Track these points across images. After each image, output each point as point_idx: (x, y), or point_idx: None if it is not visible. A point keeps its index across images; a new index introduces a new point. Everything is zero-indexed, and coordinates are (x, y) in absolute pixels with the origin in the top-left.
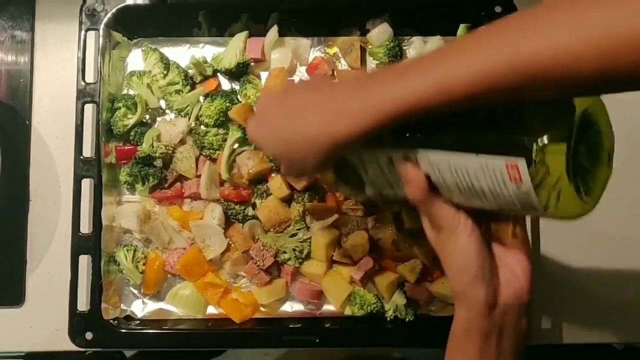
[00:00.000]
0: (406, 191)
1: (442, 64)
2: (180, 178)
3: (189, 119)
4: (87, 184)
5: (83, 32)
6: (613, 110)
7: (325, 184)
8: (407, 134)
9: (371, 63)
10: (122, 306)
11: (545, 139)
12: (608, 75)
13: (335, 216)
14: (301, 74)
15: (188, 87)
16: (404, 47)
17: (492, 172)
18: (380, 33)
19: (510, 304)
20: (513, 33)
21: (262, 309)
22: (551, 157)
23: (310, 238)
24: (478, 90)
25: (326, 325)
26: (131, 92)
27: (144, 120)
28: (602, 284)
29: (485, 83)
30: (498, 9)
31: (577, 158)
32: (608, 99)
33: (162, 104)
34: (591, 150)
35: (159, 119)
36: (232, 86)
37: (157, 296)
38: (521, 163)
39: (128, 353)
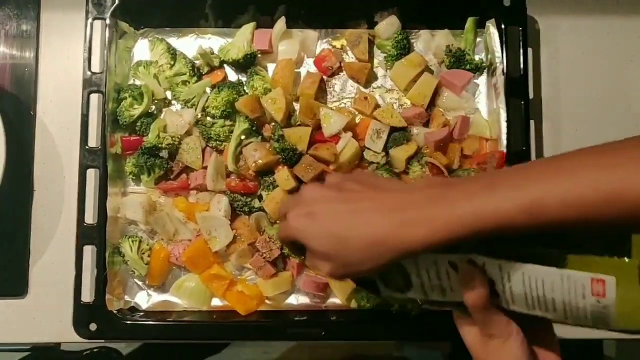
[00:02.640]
0: (466, 297)
1: (535, 185)
2: (186, 169)
3: (196, 110)
4: (92, 174)
5: (89, 22)
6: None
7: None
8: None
9: (379, 56)
10: (127, 297)
11: (630, 255)
12: None
13: None
14: (308, 65)
15: (195, 78)
16: (412, 40)
17: (572, 285)
18: (388, 25)
19: None
20: (613, 164)
21: (267, 301)
22: (632, 273)
23: None
24: (570, 215)
25: (332, 319)
26: (137, 82)
27: (150, 111)
28: None
29: (580, 210)
30: (507, 2)
31: None
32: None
33: (169, 94)
34: None
35: (165, 109)
36: (239, 77)
37: (162, 288)
38: (609, 279)
39: (125, 351)
